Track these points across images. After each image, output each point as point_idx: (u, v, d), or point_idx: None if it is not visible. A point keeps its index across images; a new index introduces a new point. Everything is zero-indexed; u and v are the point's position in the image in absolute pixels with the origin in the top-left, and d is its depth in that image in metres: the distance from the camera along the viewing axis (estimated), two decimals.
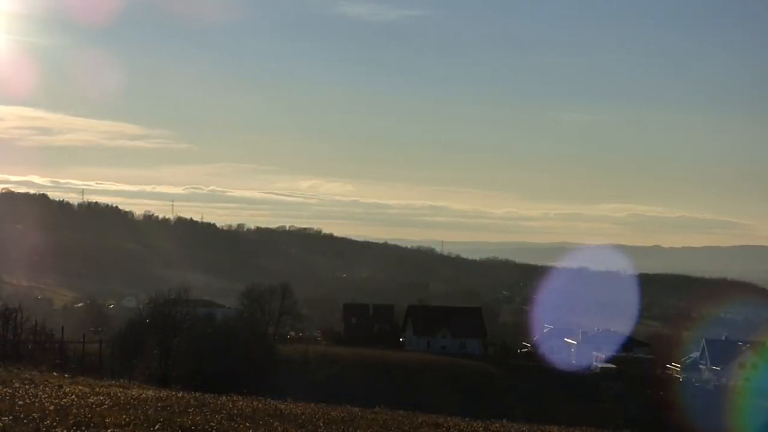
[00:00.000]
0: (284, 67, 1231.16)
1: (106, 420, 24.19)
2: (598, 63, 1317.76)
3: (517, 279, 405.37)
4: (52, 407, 25.64)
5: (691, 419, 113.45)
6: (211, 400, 34.27)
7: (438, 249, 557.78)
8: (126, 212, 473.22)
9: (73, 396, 30.01)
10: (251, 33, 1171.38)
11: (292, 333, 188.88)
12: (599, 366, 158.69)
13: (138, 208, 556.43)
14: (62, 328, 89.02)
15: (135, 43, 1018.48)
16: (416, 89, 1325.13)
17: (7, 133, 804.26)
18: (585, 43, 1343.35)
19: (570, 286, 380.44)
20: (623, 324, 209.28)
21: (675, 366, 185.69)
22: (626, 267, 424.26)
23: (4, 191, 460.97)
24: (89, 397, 30.02)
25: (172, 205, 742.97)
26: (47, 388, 32.46)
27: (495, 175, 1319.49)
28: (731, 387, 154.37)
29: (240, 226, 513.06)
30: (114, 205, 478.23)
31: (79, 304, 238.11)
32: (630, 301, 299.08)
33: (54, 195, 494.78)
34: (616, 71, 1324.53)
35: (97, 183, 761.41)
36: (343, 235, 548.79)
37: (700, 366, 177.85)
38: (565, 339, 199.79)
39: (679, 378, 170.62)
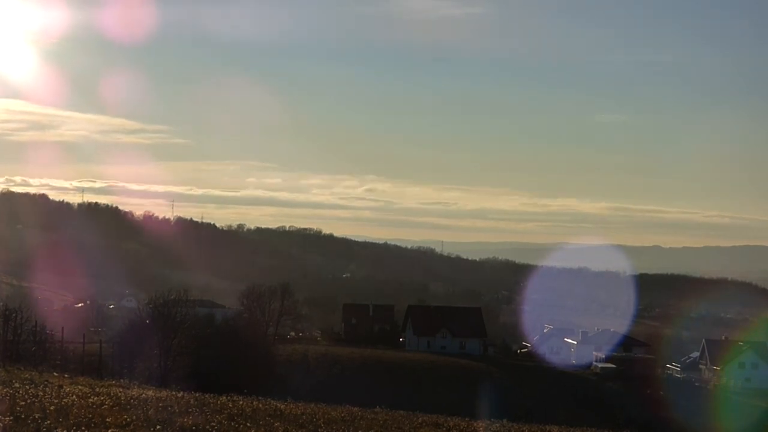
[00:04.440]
0: (289, 64, 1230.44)
1: (107, 420, 24.23)
2: (602, 64, 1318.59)
3: (517, 279, 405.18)
4: (52, 407, 25.66)
5: (690, 419, 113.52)
6: (211, 400, 34.32)
7: (438, 249, 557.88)
8: (126, 212, 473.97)
9: (74, 396, 30.03)
10: (263, 31, 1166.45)
11: (292, 333, 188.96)
12: (599, 366, 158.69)
13: (138, 208, 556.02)
14: (62, 328, 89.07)
15: (131, 40, 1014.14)
16: (420, 88, 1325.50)
17: None
18: (585, 45, 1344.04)
19: (570, 286, 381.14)
20: (623, 324, 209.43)
21: (675, 366, 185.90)
22: (626, 267, 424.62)
23: (3, 191, 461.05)
24: (89, 398, 30.05)
25: (172, 205, 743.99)
26: (47, 389, 32.48)
27: (498, 173, 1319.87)
28: (730, 386, 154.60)
29: (240, 226, 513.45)
30: (114, 206, 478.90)
31: (79, 304, 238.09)
32: (629, 300, 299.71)
33: (53, 194, 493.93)
34: (618, 72, 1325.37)
35: (95, 181, 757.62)
36: (343, 235, 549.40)
37: (700, 366, 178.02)
38: (565, 339, 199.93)
39: (679, 378, 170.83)
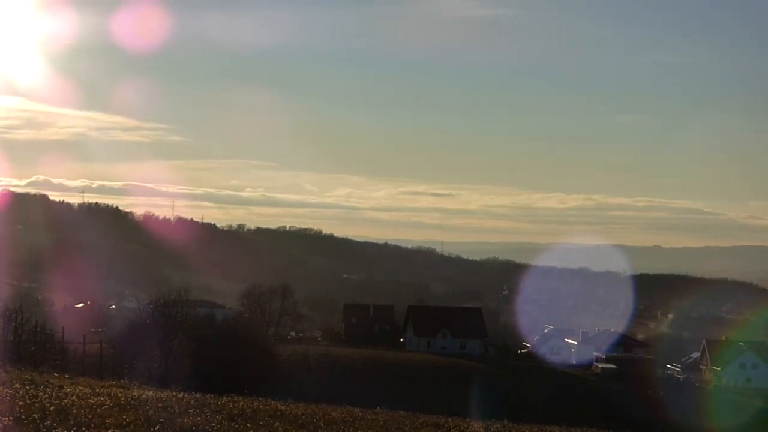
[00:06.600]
0: (290, 64, 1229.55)
1: (107, 421, 24.22)
2: (606, 64, 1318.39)
3: (517, 279, 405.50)
4: (52, 408, 25.64)
5: (690, 420, 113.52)
6: (211, 401, 34.27)
7: (438, 249, 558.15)
8: (126, 212, 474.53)
9: (74, 396, 30.00)
10: (269, 33, 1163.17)
11: (293, 333, 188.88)
12: (600, 366, 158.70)
13: (138, 208, 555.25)
14: (62, 328, 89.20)
15: (133, 43, 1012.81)
16: (425, 88, 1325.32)
17: None
18: (602, 46, 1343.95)
19: (570, 286, 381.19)
20: (623, 324, 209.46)
21: (675, 366, 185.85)
22: (626, 267, 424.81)
23: (3, 191, 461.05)
24: (90, 398, 30.02)
25: (173, 205, 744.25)
26: (48, 389, 32.45)
27: (501, 173, 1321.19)
28: (730, 387, 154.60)
29: (240, 226, 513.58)
30: (114, 206, 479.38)
31: (80, 305, 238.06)
32: (629, 301, 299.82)
33: (53, 194, 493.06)
34: (618, 72, 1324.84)
35: (93, 181, 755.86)
36: (343, 235, 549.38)
37: (701, 366, 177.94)
38: (566, 339, 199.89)
39: (679, 378, 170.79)
